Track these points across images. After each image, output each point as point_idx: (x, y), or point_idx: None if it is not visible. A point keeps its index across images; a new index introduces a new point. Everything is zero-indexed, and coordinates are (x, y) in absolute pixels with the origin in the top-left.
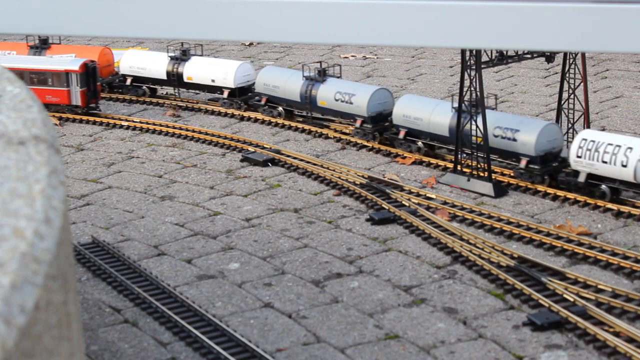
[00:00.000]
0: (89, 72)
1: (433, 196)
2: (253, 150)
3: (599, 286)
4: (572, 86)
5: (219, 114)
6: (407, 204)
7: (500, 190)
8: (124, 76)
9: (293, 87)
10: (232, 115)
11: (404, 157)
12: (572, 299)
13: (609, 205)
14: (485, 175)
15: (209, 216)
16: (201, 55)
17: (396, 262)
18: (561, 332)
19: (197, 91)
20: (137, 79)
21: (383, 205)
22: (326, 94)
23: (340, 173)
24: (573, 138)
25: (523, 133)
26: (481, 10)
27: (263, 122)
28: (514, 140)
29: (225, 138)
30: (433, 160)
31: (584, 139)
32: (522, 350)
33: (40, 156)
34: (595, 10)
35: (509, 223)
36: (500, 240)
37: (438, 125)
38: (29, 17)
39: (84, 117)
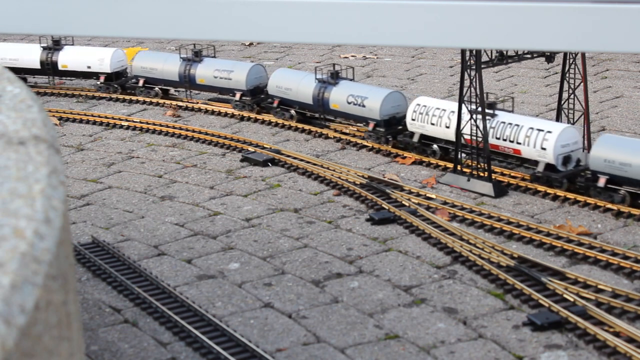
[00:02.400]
0: None
1: (433, 196)
2: (253, 150)
3: (599, 286)
4: (572, 86)
5: (219, 114)
6: (407, 204)
7: (500, 190)
8: None
9: (171, 68)
10: (232, 115)
11: (404, 157)
12: (572, 299)
13: (609, 205)
14: (485, 175)
15: (209, 216)
16: (72, 44)
17: (396, 262)
18: (561, 332)
19: (71, 78)
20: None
21: (383, 205)
22: (204, 72)
23: (340, 173)
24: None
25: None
26: (481, 10)
27: (263, 122)
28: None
29: (225, 138)
30: (433, 161)
31: (417, 104)
32: (522, 350)
33: (40, 156)
34: (595, 10)
35: (509, 223)
36: (500, 240)
37: (304, 94)
38: (29, 17)
39: (84, 117)
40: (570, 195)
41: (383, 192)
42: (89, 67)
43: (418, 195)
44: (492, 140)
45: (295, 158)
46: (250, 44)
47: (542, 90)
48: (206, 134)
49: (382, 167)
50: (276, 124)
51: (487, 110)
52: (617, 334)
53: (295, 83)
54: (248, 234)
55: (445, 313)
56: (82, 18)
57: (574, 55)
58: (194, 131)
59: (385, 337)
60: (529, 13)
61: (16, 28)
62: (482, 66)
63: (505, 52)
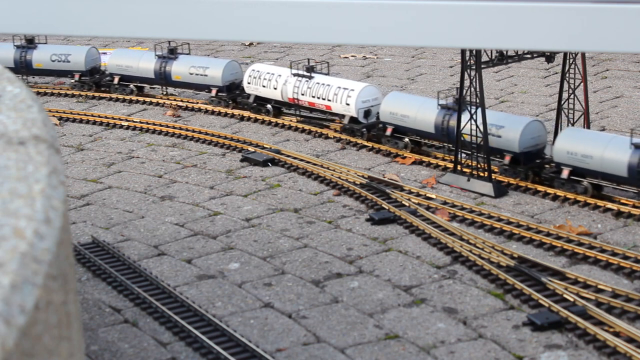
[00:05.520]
0: None
1: (433, 196)
2: (253, 150)
3: (599, 286)
4: (572, 86)
5: (219, 114)
6: (407, 204)
7: (500, 190)
8: None
9: (5, 56)
10: (232, 116)
11: (404, 157)
12: (572, 299)
13: (609, 205)
14: (485, 175)
15: (209, 216)
16: None
17: (396, 262)
18: (561, 332)
19: None
20: None
21: (383, 205)
22: (41, 57)
23: (340, 173)
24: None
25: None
26: (481, 10)
27: (263, 122)
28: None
29: (225, 138)
30: (433, 161)
31: (252, 70)
32: (522, 350)
33: (40, 156)
34: (595, 10)
35: (509, 223)
36: (500, 240)
37: (145, 69)
38: (29, 17)
39: (84, 117)
40: (570, 195)
41: (383, 192)
42: None
43: (418, 195)
44: (309, 99)
45: (295, 158)
46: (250, 44)
47: (542, 90)
48: (206, 134)
49: (382, 167)
50: (276, 124)
51: (305, 73)
52: (617, 334)
53: (135, 60)
54: (248, 234)
55: (445, 313)
56: (83, 18)
57: (574, 55)
58: (194, 131)
59: (385, 337)
60: (529, 13)
61: (16, 28)
62: (482, 66)
63: (505, 52)
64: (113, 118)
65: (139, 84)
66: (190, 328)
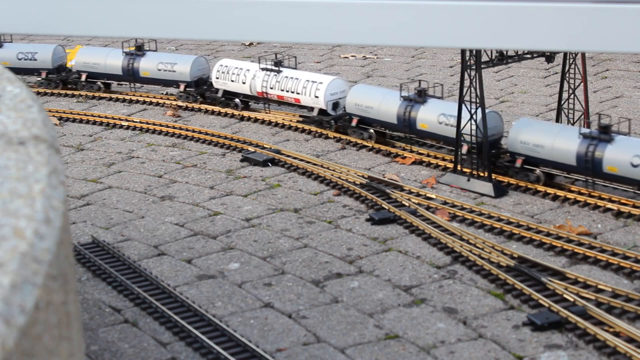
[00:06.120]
0: None
1: (433, 196)
2: (253, 150)
3: (599, 286)
4: (572, 86)
5: (219, 114)
6: (407, 204)
7: (500, 190)
8: None
9: None
10: (232, 115)
11: (404, 157)
12: (572, 299)
13: (609, 205)
14: (485, 175)
15: (209, 216)
16: None
17: (396, 262)
18: (561, 332)
19: None
20: None
21: (383, 205)
22: (7, 56)
23: (340, 173)
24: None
25: (180, 65)
26: (481, 10)
27: (263, 122)
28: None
29: (225, 138)
30: (433, 161)
31: (220, 65)
32: (522, 350)
33: (40, 156)
34: (595, 10)
35: (509, 223)
36: (500, 240)
37: (113, 67)
38: (29, 17)
39: (84, 117)
40: (570, 195)
41: (383, 192)
42: None
43: (418, 195)
44: (278, 92)
45: (295, 158)
46: (250, 44)
47: (542, 90)
48: (206, 134)
49: (382, 167)
50: (276, 124)
51: (273, 67)
52: (617, 334)
53: (102, 58)
54: (248, 234)
55: (445, 313)
56: (83, 18)
57: (574, 55)
58: (194, 131)
59: (385, 337)
60: (529, 13)
61: (16, 28)
62: (482, 66)
63: (505, 52)
64: (113, 118)
65: (106, 81)
66: (190, 328)
